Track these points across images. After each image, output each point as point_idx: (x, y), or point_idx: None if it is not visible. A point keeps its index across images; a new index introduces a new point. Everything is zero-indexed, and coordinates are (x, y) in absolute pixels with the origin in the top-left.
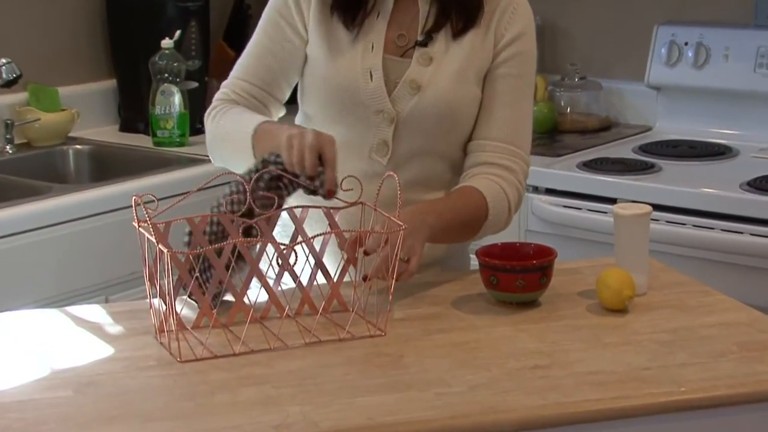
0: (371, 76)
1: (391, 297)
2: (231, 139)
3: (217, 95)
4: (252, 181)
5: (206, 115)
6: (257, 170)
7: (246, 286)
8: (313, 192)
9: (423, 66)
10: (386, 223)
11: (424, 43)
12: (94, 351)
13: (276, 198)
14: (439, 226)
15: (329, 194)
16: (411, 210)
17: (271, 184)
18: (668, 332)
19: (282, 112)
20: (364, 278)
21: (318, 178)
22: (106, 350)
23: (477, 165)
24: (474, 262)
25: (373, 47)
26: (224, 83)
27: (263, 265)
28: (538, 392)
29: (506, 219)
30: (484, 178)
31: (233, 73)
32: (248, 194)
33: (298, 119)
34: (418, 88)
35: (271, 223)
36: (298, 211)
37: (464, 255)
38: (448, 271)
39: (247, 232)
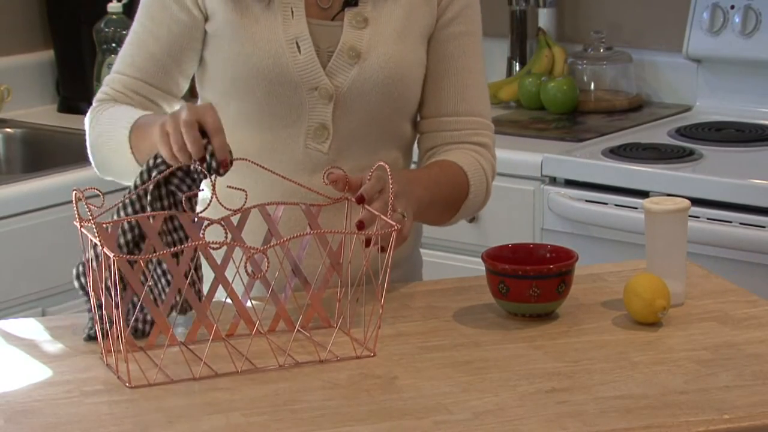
0: (298, 47)
1: (381, 310)
2: (108, 146)
3: (97, 95)
4: (127, 205)
5: (86, 120)
6: (140, 184)
7: (210, 297)
8: (208, 172)
9: (358, 29)
10: (377, 221)
11: (353, 2)
12: (29, 373)
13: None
14: (426, 200)
15: (224, 165)
16: (395, 177)
17: (155, 193)
18: (709, 350)
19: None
20: (359, 225)
21: (207, 153)
22: (43, 372)
23: (444, 144)
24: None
25: (293, 12)
26: (105, 79)
27: (229, 273)
28: (555, 420)
29: (484, 199)
30: (459, 151)
31: (114, 67)
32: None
33: None
34: (358, 55)
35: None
36: (271, 209)
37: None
38: (447, 278)
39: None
